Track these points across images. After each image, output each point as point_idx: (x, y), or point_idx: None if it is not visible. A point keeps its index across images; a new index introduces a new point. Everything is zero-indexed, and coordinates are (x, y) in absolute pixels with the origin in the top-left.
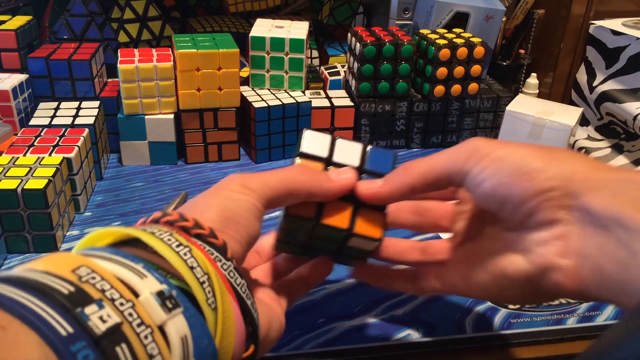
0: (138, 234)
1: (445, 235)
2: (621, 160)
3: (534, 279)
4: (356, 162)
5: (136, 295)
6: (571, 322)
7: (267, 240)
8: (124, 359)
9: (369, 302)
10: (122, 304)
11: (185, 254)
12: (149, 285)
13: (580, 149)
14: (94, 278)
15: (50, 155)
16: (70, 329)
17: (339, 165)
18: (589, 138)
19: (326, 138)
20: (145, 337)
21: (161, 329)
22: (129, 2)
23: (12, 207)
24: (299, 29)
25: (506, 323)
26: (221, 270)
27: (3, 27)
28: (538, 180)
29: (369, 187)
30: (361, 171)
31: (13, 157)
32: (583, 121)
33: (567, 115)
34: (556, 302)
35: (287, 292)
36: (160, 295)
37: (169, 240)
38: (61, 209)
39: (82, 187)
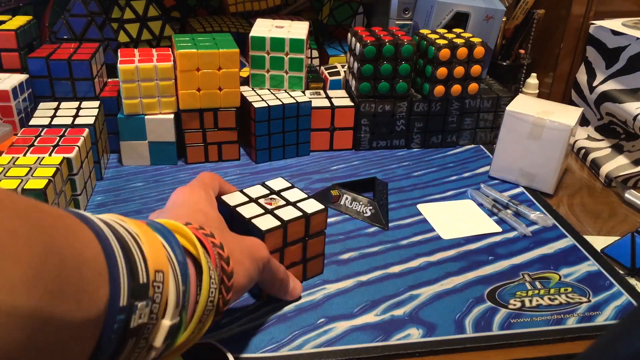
0: (205, 273)
1: (444, 235)
2: (621, 160)
3: None
4: (303, 234)
5: (164, 315)
6: (571, 322)
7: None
8: (126, 348)
9: (369, 302)
10: (151, 318)
11: (208, 310)
12: (173, 316)
13: (580, 149)
14: (159, 288)
15: (50, 155)
16: (125, 304)
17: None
18: (589, 138)
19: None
20: (140, 348)
21: (150, 347)
22: (129, 2)
23: None
24: (299, 29)
25: (506, 323)
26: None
27: (3, 27)
28: None
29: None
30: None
31: (13, 157)
32: (583, 121)
33: (567, 115)
34: (556, 302)
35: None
36: (171, 328)
37: (212, 293)
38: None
39: (82, 187)
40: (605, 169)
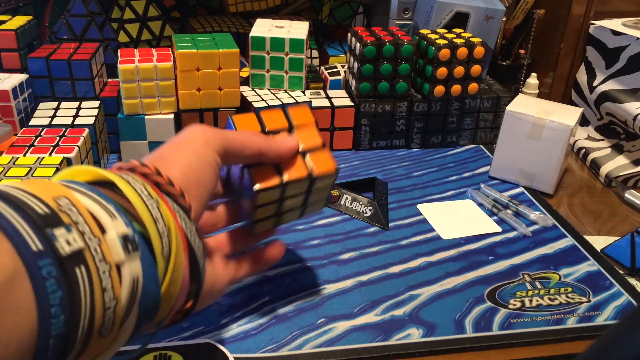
0: (114, 178)
1: (444, 235)
2: (621, 160)
3: None
4: (286, 125)
5: (103, 231)
6: (571, 322)
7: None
8: (82, 281)
9: (369, 302)
10: (90, 239)
11: (152, 205)
12: (116, 226)
13: (580, 149)
14: (70, 210)
15: (50, 155)
16: (40, 246)
17: (274, 133)
18: (589, 138)
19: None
20: (103, 272)
21: (118, 267)
22: (129, 2)
23: None
24: (299, 29)
25: (506, 323)
26: (183, 230)
27: (3, 27)
28: None
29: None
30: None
31: (13, 157)
32: (583, 121)
33: (567, 115)
34: (556, 302)
35: (237, 265)
36: (124, 237)
37: (141, 191)
38: None
39: None
40: (605, 169)
